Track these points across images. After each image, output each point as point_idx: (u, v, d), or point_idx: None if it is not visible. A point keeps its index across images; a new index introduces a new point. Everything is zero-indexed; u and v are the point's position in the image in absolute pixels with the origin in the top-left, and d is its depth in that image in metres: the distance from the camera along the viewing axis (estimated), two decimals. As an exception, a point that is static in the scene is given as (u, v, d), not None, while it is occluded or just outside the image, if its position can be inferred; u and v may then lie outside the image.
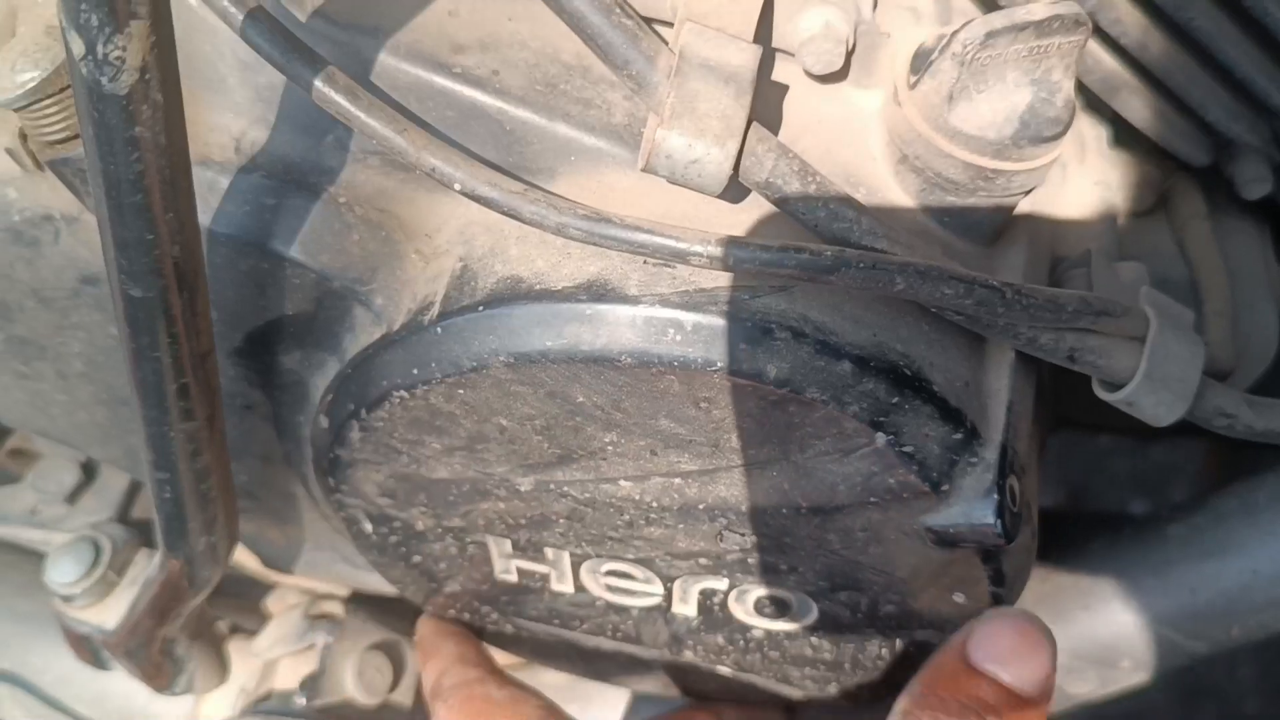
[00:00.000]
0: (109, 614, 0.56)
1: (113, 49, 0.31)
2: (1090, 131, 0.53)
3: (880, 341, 0.40)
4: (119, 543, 0.57)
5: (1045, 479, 0.88)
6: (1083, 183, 0.51)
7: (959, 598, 0.45)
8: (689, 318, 0.39)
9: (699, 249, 0.37)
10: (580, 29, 0.36)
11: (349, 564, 0.59)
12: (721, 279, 0.39)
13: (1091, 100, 0.50)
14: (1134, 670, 0.58)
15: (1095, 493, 1.16)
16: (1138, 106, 0.49)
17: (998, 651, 0.43)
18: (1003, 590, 0.44)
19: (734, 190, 0.40)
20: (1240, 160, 0.53)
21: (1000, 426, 0.41)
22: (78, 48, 0.31)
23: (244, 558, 0.62)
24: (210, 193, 0.43)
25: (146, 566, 0.56)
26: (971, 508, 0.41)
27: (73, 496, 0.62)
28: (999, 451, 0.41)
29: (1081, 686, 0.59)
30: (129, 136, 0.33)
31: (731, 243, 0.37)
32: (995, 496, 0.40)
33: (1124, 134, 0.52)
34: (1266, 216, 0.59)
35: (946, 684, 0.43)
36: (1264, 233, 0.58)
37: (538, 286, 0.40)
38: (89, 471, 0.62)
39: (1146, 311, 0.43)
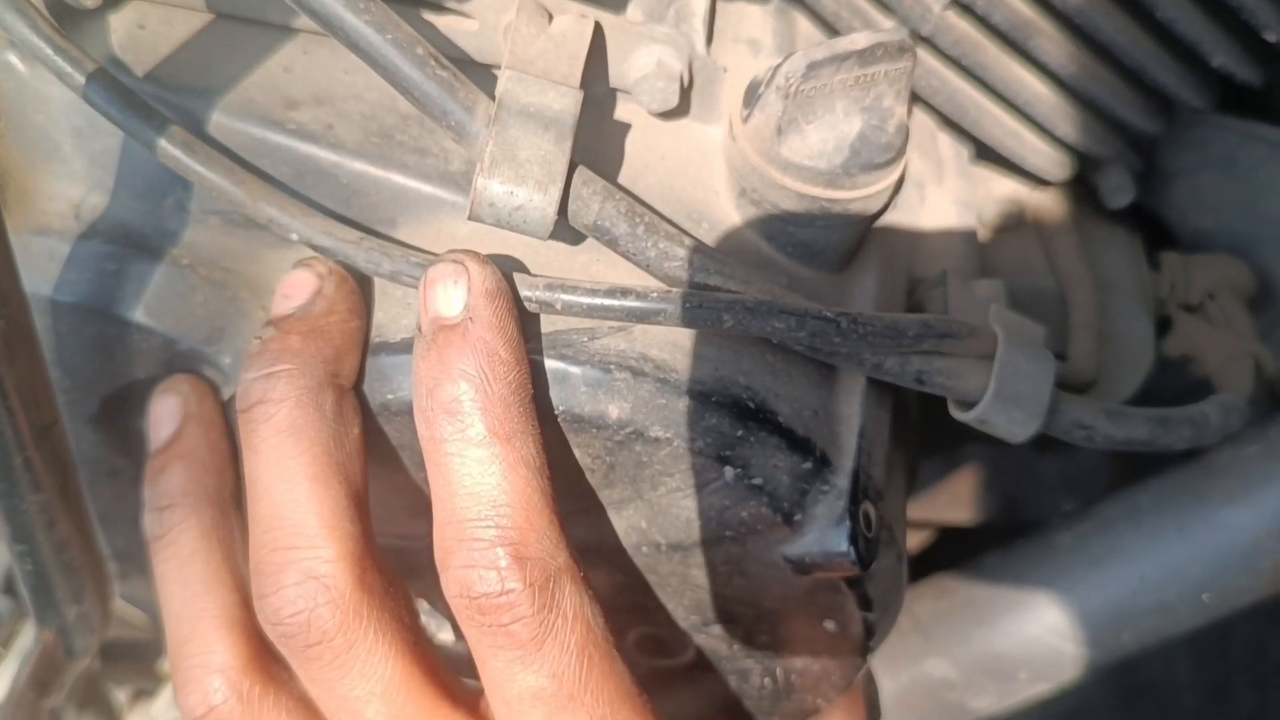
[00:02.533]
0: (-3, 686, 0.55)
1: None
2: (950, 150, 0.53)
3: (722, 376, 0.40)
4: (4, 615, 0.56)
5: (982, 494, 0.89)
6: (941, 201, 0.52)
7: (830, 624, 0.45)
8: None
9: (528, 294, 0.37)
10: (397, 83, 0.37)
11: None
12: (559, 322, 0.39)
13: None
14: (1031, 681, 0.58)
15: (1026, 500, 1.17)
16: (988, 126, 0.50)
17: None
18: (872, 614, 0.44)
19: (569, 233, 0.40)
20: (1102, 171, 0.54)
21: (852, 453, 0.42)
22: None
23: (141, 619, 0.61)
24: (51, 261, 0.42)
25: (31, 637, 0.55)
26: (825, 536, 0.41)
27: (-45, 570, 0.61)
28: (851, 478, 0.41)
29: (982, 700, 0.59)
30: (-70, 215, 0.33)
31: (559, 287, 0.37)
32: (848, 523, 0.40)
33: (986, 150, 0.53)
34: (1138, 224, 0.60)
35: None
36: (1135, 241, 0.59)
37: (376, 339, 0.40)
38: (-30, 543, 0.61)
39: (995, 330, 0.43)
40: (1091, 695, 0.87)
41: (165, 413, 0.42)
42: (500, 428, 0.36)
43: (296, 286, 0.39)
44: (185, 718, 0.40)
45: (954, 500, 0.88)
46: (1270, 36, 0.44)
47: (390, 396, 0.39)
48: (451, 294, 0.36)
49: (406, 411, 0.39)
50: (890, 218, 0.48)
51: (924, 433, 0.52)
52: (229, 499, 0.42)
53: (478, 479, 0.35)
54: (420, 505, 0.40)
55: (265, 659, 0.41)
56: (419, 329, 0.37)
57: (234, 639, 0.40)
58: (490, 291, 0.36)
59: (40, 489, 0.42)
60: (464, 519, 0.35)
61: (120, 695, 0.62)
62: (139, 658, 0.63)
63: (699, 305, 0.37)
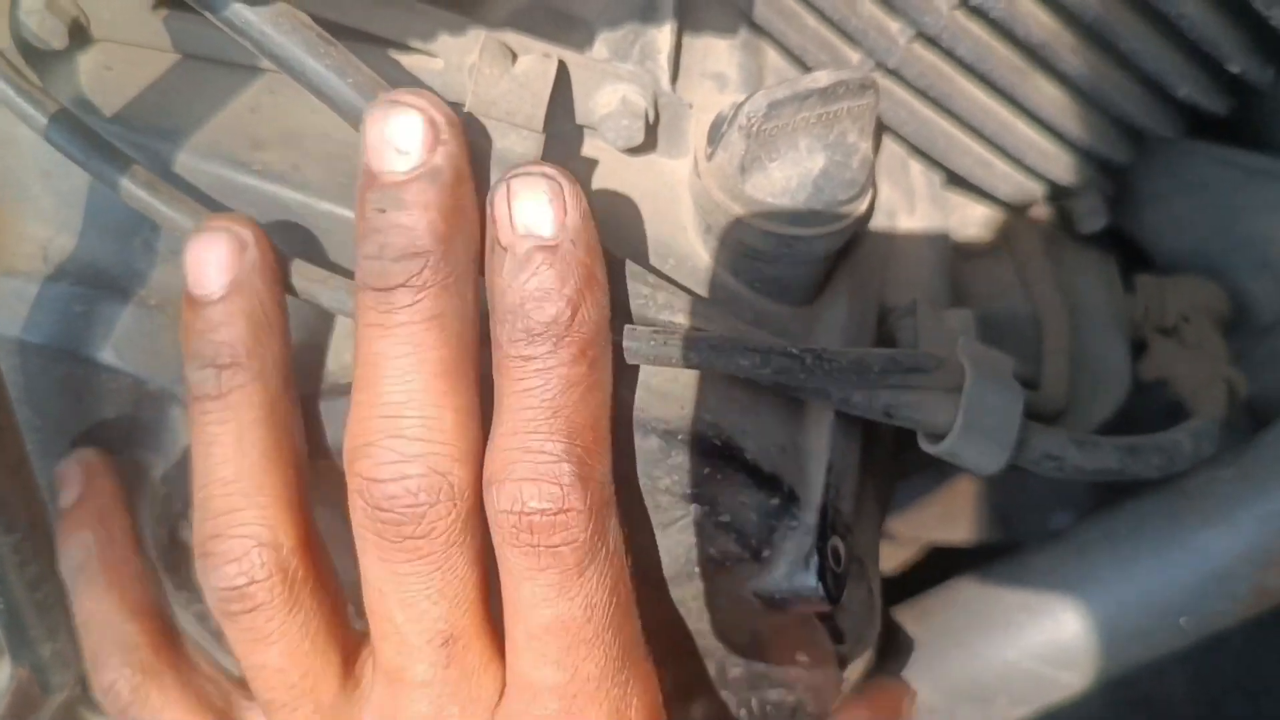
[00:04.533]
0: (-27, 723, 0.55)
1: None
2: (921, 179, 0.53)
3: (688, 413, 0.40)
4: (-19, 650, 0.56)
5: (973, 510, 0.89)
6: (913, 229, 0.52)
7: (802, 657, 0.45)
8: None
9: (493, 336, 0.37)
10: (359, 124, 0.37)
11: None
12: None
13: (919, 148, 0.51)
14: (1011, 705, 0.58)
15: (1017, 515, 1.17)
16: (957, 155, 0.50)
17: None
18: (844, 646, 0.44)
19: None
20: (1075, 196, 0.55)
21: (820, 488, 0.42)
22: None
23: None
24: (19, 302, 0.43)
25: (5, 673, 0.55)
26: (793, 572, 0.41)
27: (-65, 604, 0.61)
28: (819, 513, 0.41)
29: (962, 726, 0.59)
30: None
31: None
32: (815, 559, 0.40)
33: (957, 177, 0.53)
34: (1114, 248, 0.60)
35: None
36: (1109, 265, 0.59)
37: (344, 380, 0.40)
38: (-51, 578, 0.61)
39: (962, 363, 0.43)
40: (1085, 709, 0.87)
41: (217, 257, 0.37)
42: (590, 351, 0.35)
43: (408, 135, 0.34)
44: (214, 587, 0.36)
45: (945, 518, 0.88)
46: (1233, 68, 0.44)
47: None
48: (544, 211, 0.34)
49: None
50: (861, 247, 0.49)
51: (907, 452, 0.52)
52: (289, 370, 0.39)
53: (558, 396, 0.34)
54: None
55: (315, 547, 0.38)
56: (496, 242, 0.35)
57: (292, 518, 0.37)
58: (586, 213, 0.35)
59: (11, 530, 0.42)
60: (535, 431, 0.34)
61: (100, 724, 0.62)
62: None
63: (664, 343, 0.37)
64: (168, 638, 0.44)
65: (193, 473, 0.38)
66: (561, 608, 0.35)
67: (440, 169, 0.34)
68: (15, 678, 0.50)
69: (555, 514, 0.34)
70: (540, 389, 0.34)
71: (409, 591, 0.35)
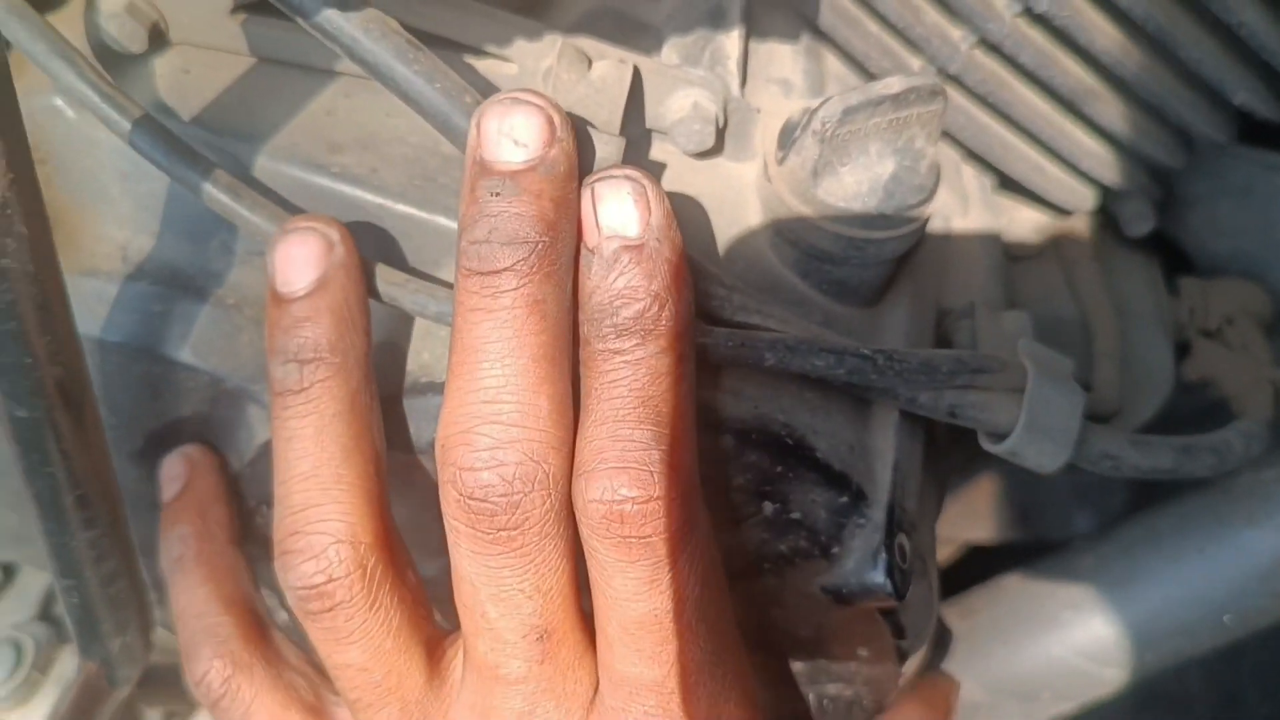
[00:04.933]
0: (34, 713, 0.56)
1: (-31, 187, 0.31)
2: (974, 182, 0.54)
3: (761, 414, 0.41)
4: (42, 642, 0.57)
5: (996, 509, 0.90)
6: (967, 233, 0.53)
7: (864, 651, 0.46)
8: None
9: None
10: (447, 131, 0.37)
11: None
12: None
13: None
14: (1054, 701, 0.59)
15: (1040, 514, 1.17)
16: (1012, 160, 0.51)
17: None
18: (905, 641, 0.45)
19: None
20: (1123, 200, 0.55)
21: (887, 486, 0.42)
22: (-64, 188, 0.32)
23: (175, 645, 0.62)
24: (99, 302, 0.43)
25: (70, 663, 0.56)
26: (862, 568, 0.41)
27: (-7, 598, 0.62)
28: (886, 511, 0.42)
29: (1006, 721, 0.60)
30: (-5, 268, 0.34)
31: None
32: (884, 556, 0.41)
33: (1009, 181, 0.54)
34: (1157, 251, 0.61)
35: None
36: (1154, 267, 0.60)
37: (423, 380, 0.41)
38: (8, 572, 0.62)
39: (1025, 363, 0.44)
40: (1103, 705, 0.88)
41: (305, 254, 0.38)
42: (677, 345, 0.35)
43: (527, 129, 0.35)
44: (293, 586, 0.36)
45: (969, 516, 0.88)
46: (1292, 75, 0.45)
47: (430, 438, 0.40)
48: (629, 212, 0.35)
49: None
50: (919, 250, 0.49)
51: (951, 454, 0.53)
52: (370, 368, 0.39)
53: (646, 387, 0.34)
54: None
55: (393, 544, 0.38)
56: (583, 245, 0.36)
57: (370, 513, 0.37)
58: (669, 213, 0.36)
59: (91, 526, 0.43)
60: (623, 420, 0.34)
61: (152, 716, 0.63)
62: (173, 681, 0.63)
63: (741, 344, 0.38)
64: (260, 631, 0.44)
65: (274, 470, 0.38)
66: (654, 601, 0.35)
67: (556, 161, 0.35)
68: (84, 670, 0.51)
69: (645, 502, 0.34)
70: (628, 380, 0.35)
71: (503, 586, 0.35)
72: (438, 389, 0.41)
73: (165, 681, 0.63)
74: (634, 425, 0.34)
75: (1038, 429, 0.43)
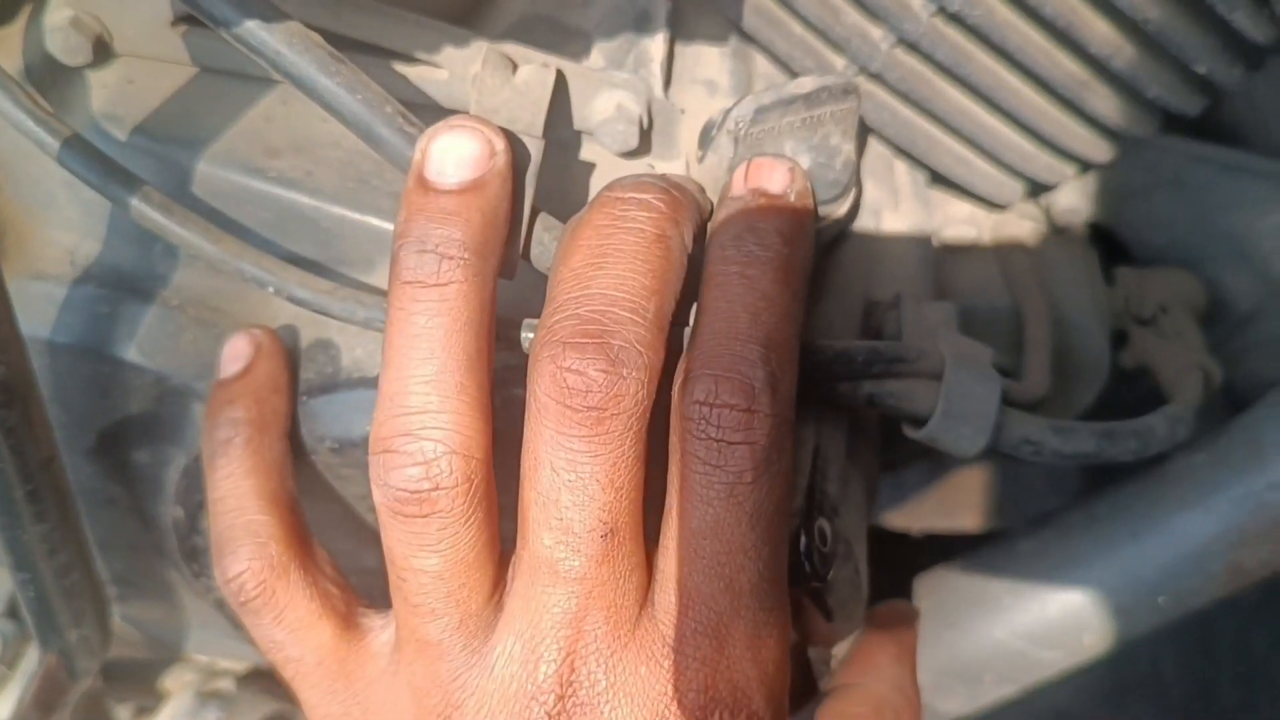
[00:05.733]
0: (2, 707, 0.57)
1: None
2: (906, 177, 0.56)
3: (681, 403, 0.42)
4: (9, 637, 0.58)
5: (968, 499, 0.91)
6: (897, 226, 0.54)
7: (794, 634, 0.47)
8: (499, 394, 0.41)
9: (526, 334, 0.40)
10: (369, 139, 0.39)
11: (237, 638, 0.61)
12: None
13: (902, 148, 0.53)
14: (997, 683, 0.60)
15: (1012, 502, 1.19)
16: (938, 155, 0.52)
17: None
18: (833, 624, 0.46)
19: (533, 273, 0.42)
20: (1055, 192, 0.57)
21: (806, 472, 0.44)
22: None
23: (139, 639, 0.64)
24: (48, 305, 0.45)
25: (35, 658, 0.57)
26: (782, 551, 0.43)
27: (-38, 595, 0.63)
28: (805, 495, 0.43)
29: (951, 703, 0.61)
30: (-68, 273, 0.35)
31: (530, 326, 0.40)
32: (803, 539, 0.43)
33: (941, 175, 0.55)
34: (1096, 241, 0.63)
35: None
36: (1091, 257, 0.61)
37: (355, 374, 0.42)
38: (-24, 570, 0.64)
39: (943, 353, 0.46)
40: (1079, 691, 0.89)
41: (467, 151, 0.37)
42: (791, 279, 0.38)
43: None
44: (391, 485, 0.36)
45: (942, 508, 0.90)
46: (1199, 69, 0.46)
47: (369, 429, 0.41)
48: (781, 178, 0.40)
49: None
50: (847, 244, 0.51)
51: (900, 445, 0.54)
52: (496, 286, 0.38)
53: (759, 308, 0.36)
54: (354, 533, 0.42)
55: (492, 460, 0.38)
56: (730, 193, 0.40)
57: (483, 428, 0.37)
58: (808, 190, 0.41)
59: (42, 520, 0.45)
60: (736, 335, 0.36)
61: (122, 712, 0.65)
62: (139, 676, 0.65)
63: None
64: (300, 534, 0.42)
65: (385, 358, 0.36)
66: (728, 510, 0.35)
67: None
68: (44, 663, 0.52)
69: (744, 410, 0.35)
70: (748, 293, 0.37)
71: (580, 472, 0.35)
72: (368, 383, 0.42)
73: (131, 677, 0.65)
74: (746, 341, 0.36)
75: (955, 415, 0.45)
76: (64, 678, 0.53)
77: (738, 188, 0.40)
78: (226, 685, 0.63)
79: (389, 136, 0.38)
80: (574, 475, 0.35)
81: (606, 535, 0.35)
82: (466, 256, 0.36)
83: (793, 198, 0.39)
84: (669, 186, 0.38)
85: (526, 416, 0.36)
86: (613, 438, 0.35)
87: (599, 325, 0.34)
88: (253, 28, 0.38)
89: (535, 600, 0.36)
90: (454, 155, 0.37)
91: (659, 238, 0.37)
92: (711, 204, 0.42)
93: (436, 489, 0.35)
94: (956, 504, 0.92)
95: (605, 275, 0.36)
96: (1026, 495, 1.16)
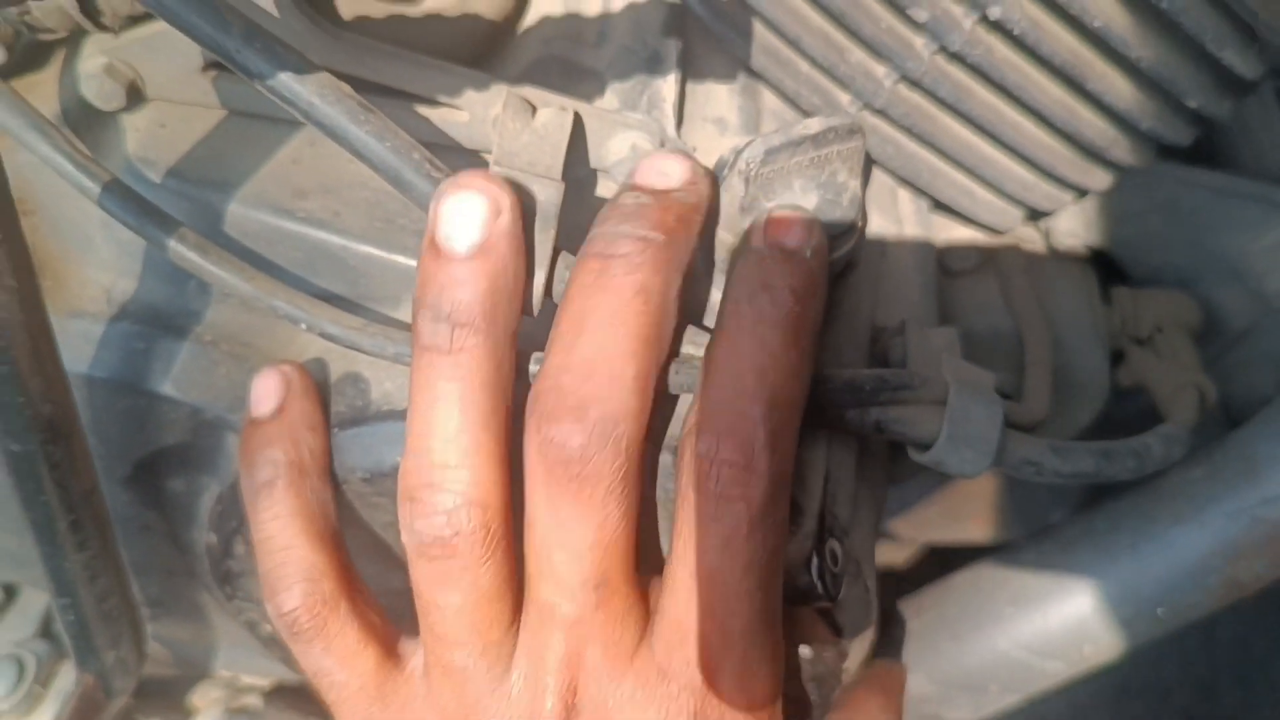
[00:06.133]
0: (39, 725, 0.59)
1: (-38, 249, 0.35)
2: (909, 204, 0.58)
3: (697, 432, 0.44)
4: (43, 657, 0.60)
5: (974, 510, 0.93)
6: (901, 254, 0.56)
7: (806, 650, 0.49)
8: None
9: (534, 367, 0.41)
10: (399, 184, 0.41)
11: (266, 657, 0.62)
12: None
13: (905, 178, 0.55)
14: (1001, 693, 0.62)
15: (1017, 514, 1.20)
16: (941, 185, 0.54)
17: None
18: (843, 640, 0.48)
19: (553, 308, 0.44)
20: (1053, 216, 0.59)
21: (818, 496, 0.46)
22: (-69, 250, 0.35)
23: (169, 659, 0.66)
24: (85, 341, 0.47)
25: (69, 677, 0.59)
26: (795, 572, 0.45)
27: (-4, 617, 0.65)
28: (817, 520, 0.45)
29: (956, 713, 0.63)
30: (-12, 319, 0.37)
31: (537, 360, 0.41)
32: (815, 560, 0.44)
33: (943, 203, 0.57)
34: (1094, 262, 0.65)
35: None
36: (1089, 279, 0.63)
37: (385, 407, 0.44)
38: (10, 592, 0.65)
39: (946, 379, 0.47)
40: (1081, 695, 0.91)
41: (475, 215, 0.39)
42: (800, 338, 0.40)
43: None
44: (417, 531, 0.39)
45: (947, 519, 0.92)
46: (1191, 103, 0.48)
47: (399, 459, 0.43)
48: (798, 234, 0.41)
49: None
50: (854, 272, 0.53)
51: (902, 459, 0.56)
52: (516, 338, 0.40)
53: (766, 366, 0.38)
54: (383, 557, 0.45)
55: (510, 506, 0.40)
56: (748, 245, 0.42)
57: (501, 480, 0.40)
58: (824, 246, 0.42)
59: (83, 548, 0.47)
60: (743, 390, 0.38)
61: (150, 728, 0.66)
62: (167, 693, 0.67)
63: (675, 371, 0.41)
64: (347, 567, 0.44)
65: (410, 413, 0.39)
66: (723, 560, 0.37)
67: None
68: (81, 683, 0.54)
69: (743, 469, 0.37)
70: (753, 354, 0.39)
71: (570, 533, 0.37)
72: (399, 416, 0.44)
73: (162, 693, 0.67)
74: (750, 400, 0.38)
75: (958, 439, 0.46)
76: (100, 697, 0.55)
77: (756, 240, 0.41)
78: (253, 701, 0.65)
79: (416, 182, 0.40)
80: (563, 535, 0.38)
81: (598, 586, 0.39)
82: (478, 322, 0.38)
83: (809, 254, 0.41)
84: (649, 229, 0.39)
85: (524, 473, 0.39)
86: (595, 502, 0.38)
87: (576, 398, 0.37)
88: (286, 80, 0.39)
89: (540, 638, 0.40)
90: (461, 219, 0.38)
91: (637, 293, 0.38)
92: (718, 193, 0.43)
93: (457, 535, 0.38)
94: (960, 513, 0.93)
95: (585, 342, 0.38)
96: (1028, 503, 1.18)
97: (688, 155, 0.41)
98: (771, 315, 0.39)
